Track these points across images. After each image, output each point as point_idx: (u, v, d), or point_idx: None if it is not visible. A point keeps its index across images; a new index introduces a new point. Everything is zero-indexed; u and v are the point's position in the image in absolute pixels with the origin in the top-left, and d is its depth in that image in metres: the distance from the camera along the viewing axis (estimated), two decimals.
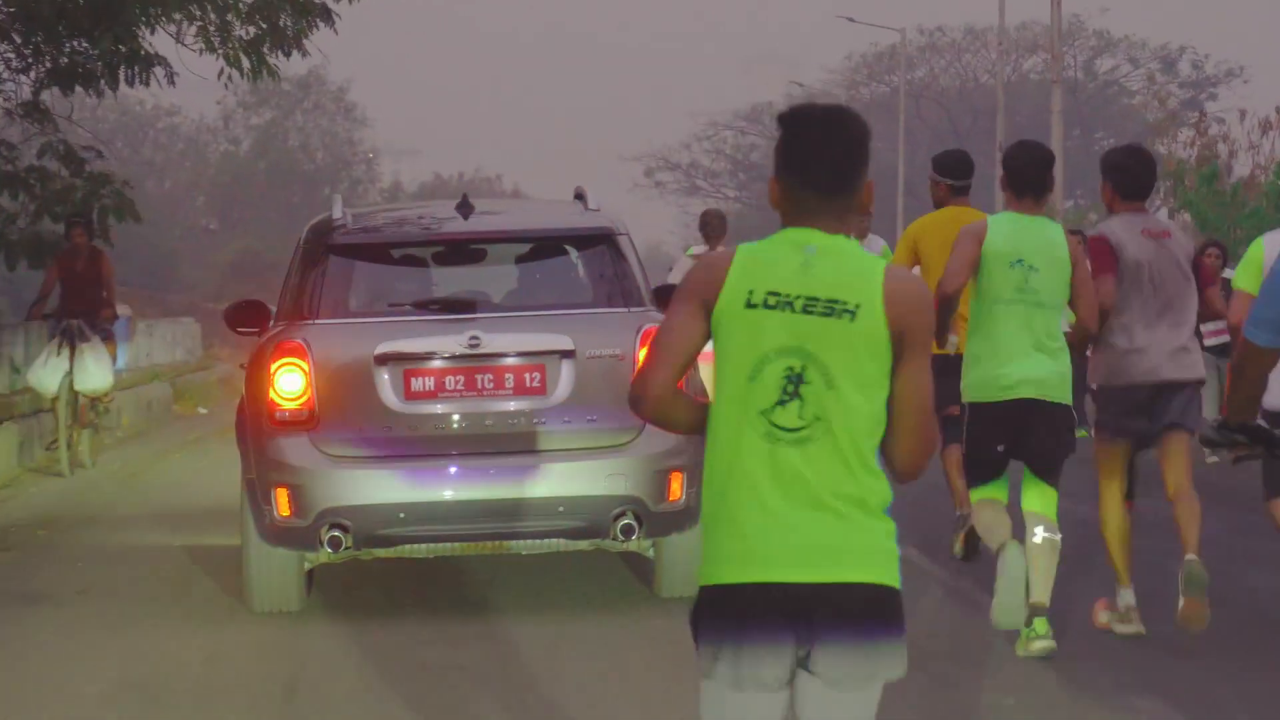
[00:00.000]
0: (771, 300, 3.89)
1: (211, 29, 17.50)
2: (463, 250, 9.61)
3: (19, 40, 18.06)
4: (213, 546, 11.60)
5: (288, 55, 17.69)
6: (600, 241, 9.49)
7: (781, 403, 3.87)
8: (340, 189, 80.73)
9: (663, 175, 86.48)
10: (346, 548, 8.75)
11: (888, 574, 3.90)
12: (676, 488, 8.82)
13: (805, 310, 3.87)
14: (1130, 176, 8.32)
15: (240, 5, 17.55)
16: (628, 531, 8.76)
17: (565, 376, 8.87)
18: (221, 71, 17.55)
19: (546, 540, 8.89)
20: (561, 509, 8.74)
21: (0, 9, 17.70)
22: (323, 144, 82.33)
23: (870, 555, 3.88)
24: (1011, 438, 8.01)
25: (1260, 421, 4.95)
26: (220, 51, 17.49)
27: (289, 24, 17.56)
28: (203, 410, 25.90)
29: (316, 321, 9.07)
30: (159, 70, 17.62)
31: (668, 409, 4.02)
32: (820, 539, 3.84)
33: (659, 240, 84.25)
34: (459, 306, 9.15)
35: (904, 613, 3.92)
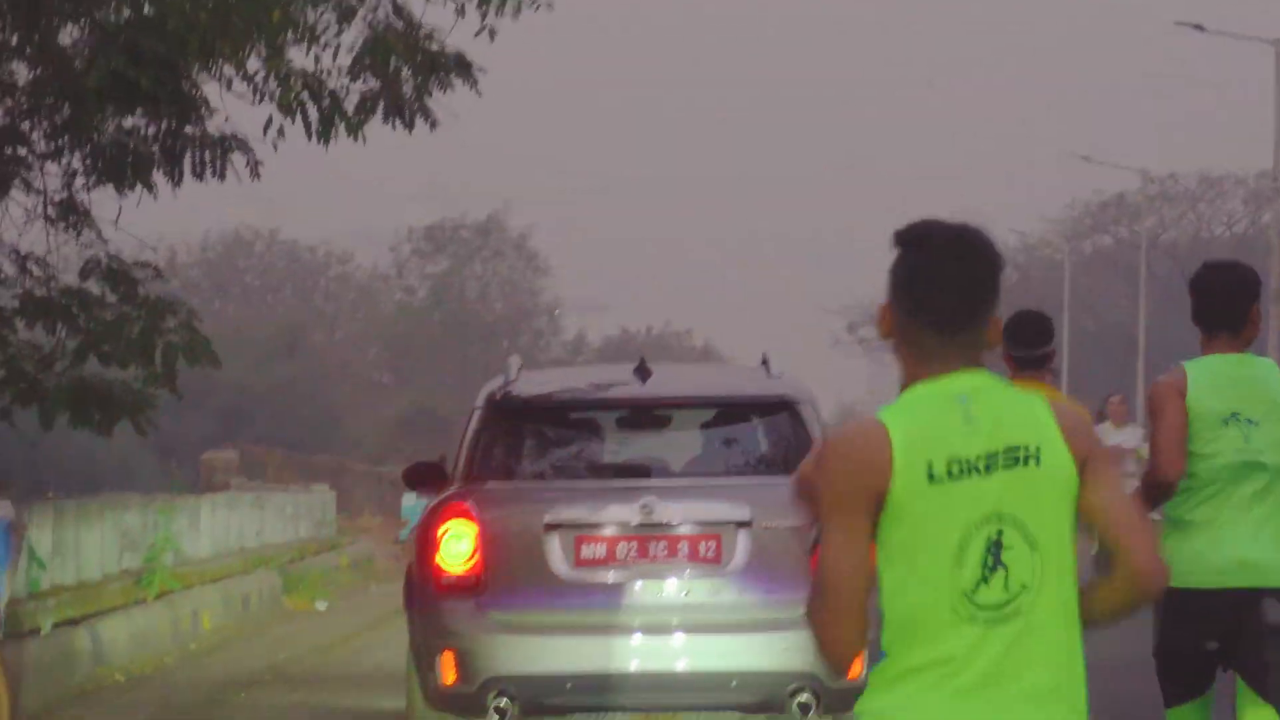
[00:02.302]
0: (955, 469, 3.68)
1: (284, 76, 13.63)
2: (638, 415, 10.17)
3: (45, 120, 14.42)
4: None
5: (408, 124, 13.73)
6: (781, 409, 9.97)
7: (984, 579, 3.67)
8: (519, 342, 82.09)
9: (867, 331, 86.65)
10: (513, 717, 9.22)
11: None
12: (857, 664, 9.17)
13: (988, 469, 3.69)
14: None
15: (337, 44, 13.68)
16: (805, 709, 9.13)
17: (742, 547, 9.31)
18: (269, 122, 13.69)
19: (719, 714, 9.31)
20: (735, 683, 9.16)
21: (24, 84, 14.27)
22: (502, 294, 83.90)
23: None
24: (1223, 638, 6.83)
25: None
26: (270, 91, 13.71)
27: (408, 78, 13.77)
28: (321, 605, 21.47)
29: (486, 484, 9.63)
30: (236, 156, 14.16)
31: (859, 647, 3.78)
32: None
33: (854, 400, 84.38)
34: (633, 472, 9.70)
35: None
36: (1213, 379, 6.95)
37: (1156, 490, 6.88)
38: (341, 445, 62.20)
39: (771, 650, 9.18)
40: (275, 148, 13.68)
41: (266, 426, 61.32)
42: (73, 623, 14.33)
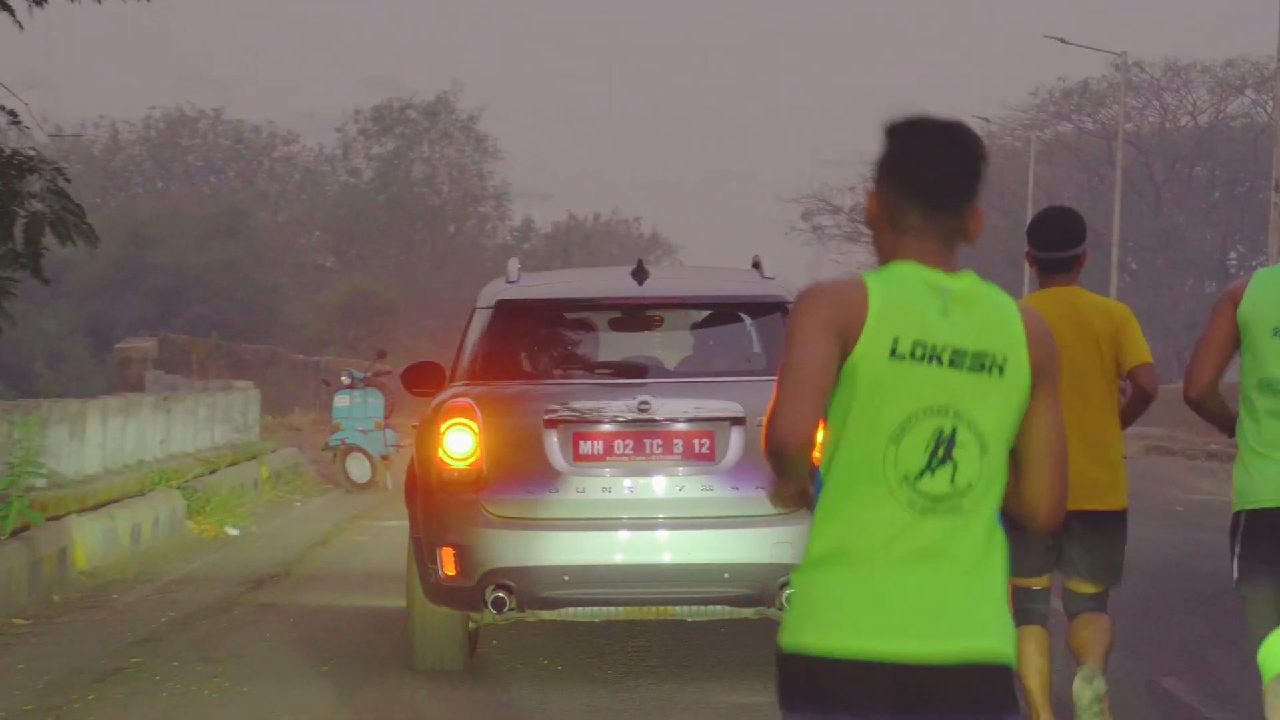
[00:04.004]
0: (919, 351, 3.88)
1: None
2: (635, 315, 10.76)
3: None
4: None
5: None
6: (774, 310, 10.56)
7: (930, 468, 3.88)
8: (465, 227, 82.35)
9: (821, 219, 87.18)
10: (510, 609, 9.79)
11: (1009, 648, 3.96)
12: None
13: (953, 364, 3.89)
14: None
15: None
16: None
17: (735, 444, 9.89)
18: None
19: (711, 607, 9.91)
20: (727, 576, 9.76)
21: None
22: (449, 177, 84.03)
23: (996, 626, 3.93)
24: None
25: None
26: None
27: None
28: (233, 531, 18.40)
29: (487, 383, 10.18)
30: None
31: (803, 457, 3.87)
32: (951, 607, 3.88)
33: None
34: (630, 371, 10.28)
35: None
36: (1269, 287, 6.76)
37: (1192, 407, 6.88)
38: (280, 332, 62.26)
39: (762, 544, 9.75)
40: None
41: (203, 310, 61.47)
42: None
